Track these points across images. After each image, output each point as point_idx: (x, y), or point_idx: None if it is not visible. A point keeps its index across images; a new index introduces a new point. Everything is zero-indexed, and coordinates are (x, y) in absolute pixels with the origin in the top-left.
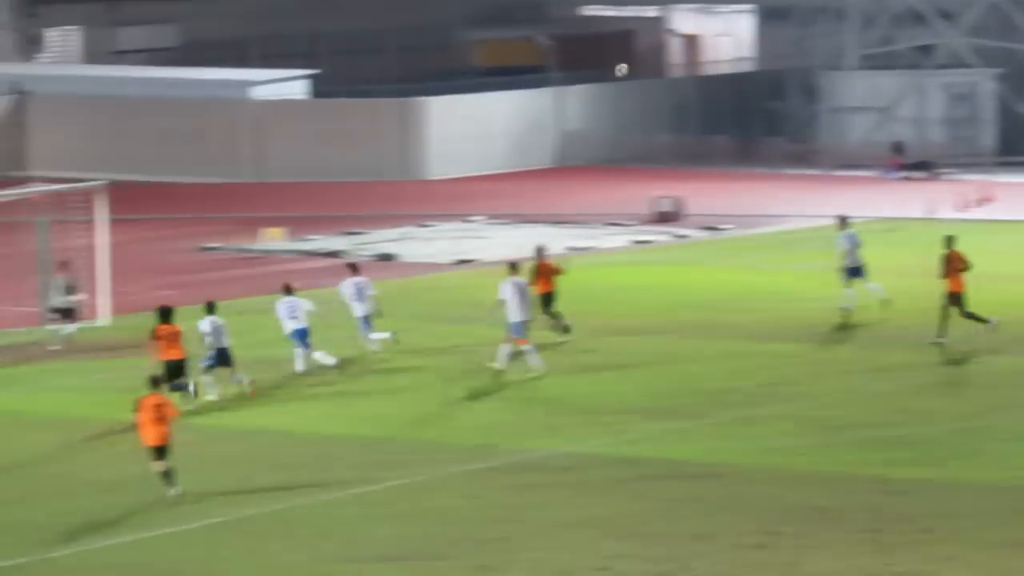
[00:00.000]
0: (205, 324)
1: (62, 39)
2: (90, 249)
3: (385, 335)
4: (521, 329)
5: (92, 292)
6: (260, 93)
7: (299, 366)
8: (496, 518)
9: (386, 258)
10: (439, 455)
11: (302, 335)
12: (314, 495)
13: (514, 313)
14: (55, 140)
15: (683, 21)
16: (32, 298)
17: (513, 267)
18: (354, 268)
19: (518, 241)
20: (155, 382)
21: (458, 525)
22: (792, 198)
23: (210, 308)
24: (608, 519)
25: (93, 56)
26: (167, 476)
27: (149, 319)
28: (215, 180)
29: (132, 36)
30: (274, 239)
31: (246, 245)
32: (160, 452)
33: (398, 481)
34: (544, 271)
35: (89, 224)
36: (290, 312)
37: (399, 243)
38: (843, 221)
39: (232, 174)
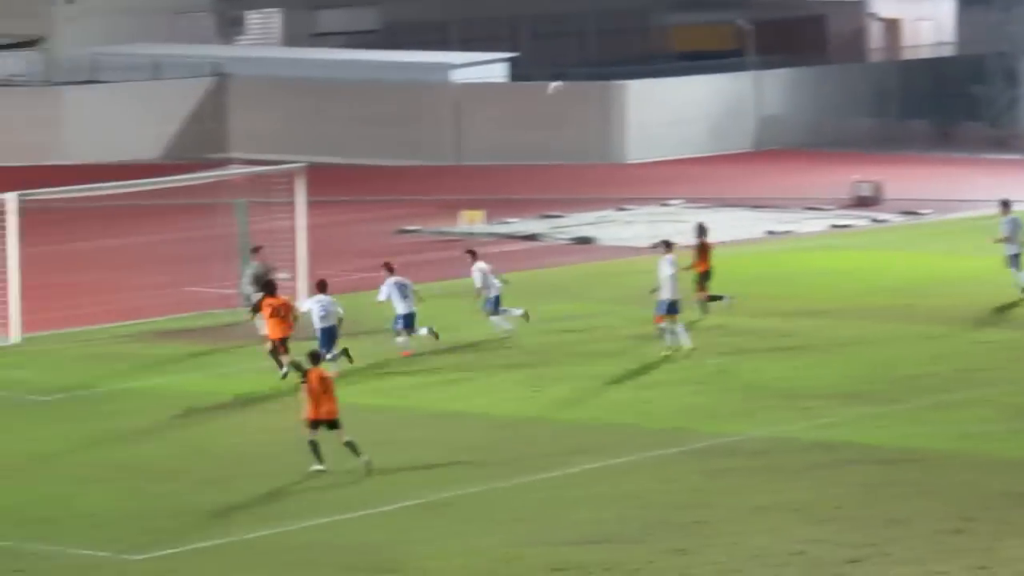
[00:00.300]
0: (311, 303)
1: (262, 21)
2: (289, 231)
3: (512, 320)
4: (672, 308)
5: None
6: (460, 76)
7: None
8: (690, 502)
9: (583, 241)
10: (635, 438)
11: (409, 320)
12: (510, 478)
13: (666, 292)
14: (254, 122)
15: (883, 5)
16: (232, 279)
17: (668, 246)
18: (473, 254)
19: (714, 225)
20: (315, 357)
21: (653, 509)
22: (991, 183)
23: (321, 287)
24: (803, 503)
25: (293, 38)
26: (351, 447)
27: (347, 301)
28: (414, 163)
29: (332, 18)
30: (472, 222)
31: (444, 228)
32: (332, 424)
33: (594, 464)
34: (704, 250)
35: (288, 206)
36: (401, 293)
37: (597, 226)
38: (1005, 206)
39: (431, 157)
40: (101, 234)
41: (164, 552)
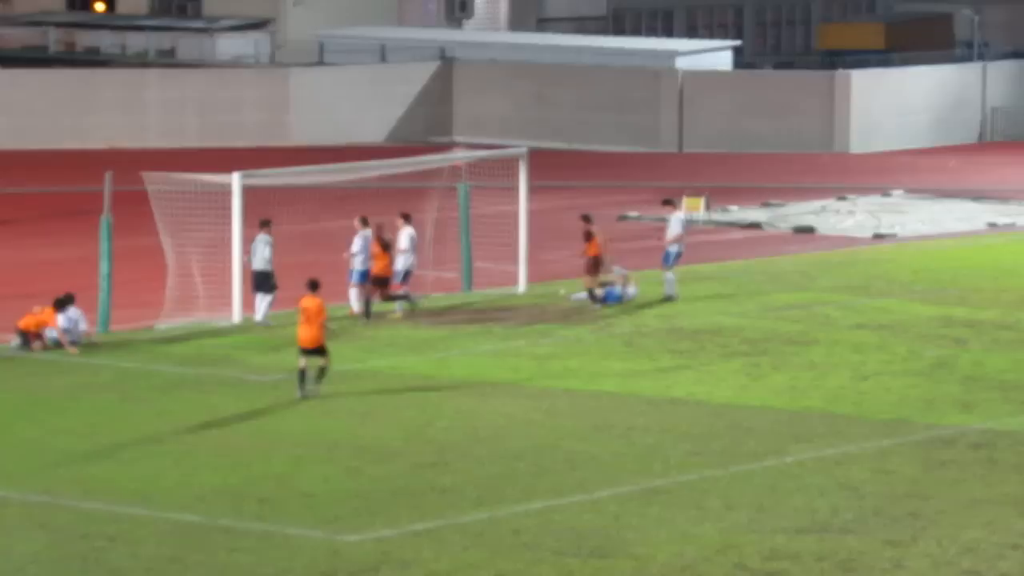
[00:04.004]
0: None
1: (489, 6)
2: (510, 216)
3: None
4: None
5: (512, 259)
6: (685, 63)
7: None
8: (906, 493)
9: (805, 231)
10: (851, 429)
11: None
12: (724, 466)
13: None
14: (479, 107)
15: None
16: (452, 263)
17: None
18: (671, 203)
19: (936, 216)
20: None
21: (867, 499)
22: None
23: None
24: (1021, 497)
25: (518, 23)
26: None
27: (570, 287)
28: (636, 149)
29: (558, 4)
30: (693, 210)
31: (665, 215)
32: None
33: (809, 454)
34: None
35: (510, 191)
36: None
37: (818, 216)
38: None
39: (654, 143)
40: (320, 215)
41: (379, 534)
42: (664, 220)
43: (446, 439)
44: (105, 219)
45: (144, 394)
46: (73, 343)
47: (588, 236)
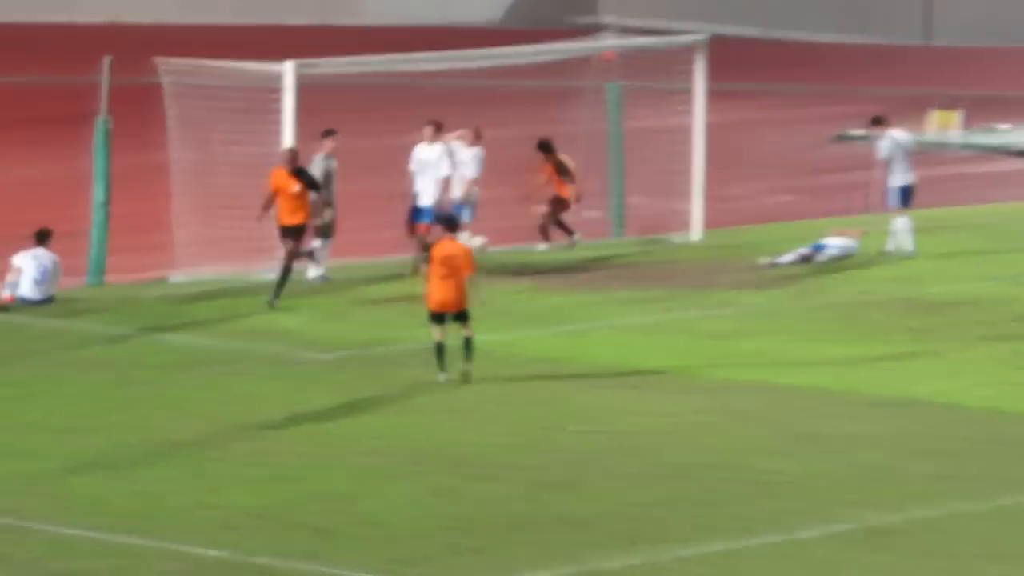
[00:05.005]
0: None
1: None
2: (680, 132)
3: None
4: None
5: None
6: None
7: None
8: None
9: None
10: None
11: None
12: (985, 497)
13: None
14: None
15: None
16: (596, 197)
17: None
18: (881, 122)
19: None
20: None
21: None
22: None
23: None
24: None
25: None
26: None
27: (753, 236)
28: (862, 40)
29: None
30: (944, 128)
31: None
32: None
33: None
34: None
35: (680, 95)
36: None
37: None
38: None
39: (887, 33)
40: (403, 126)
41: None
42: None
43: (581, 449)
44: (101, 122)
45: (150, 375)
46: (44, 300)
47: (558, 168)
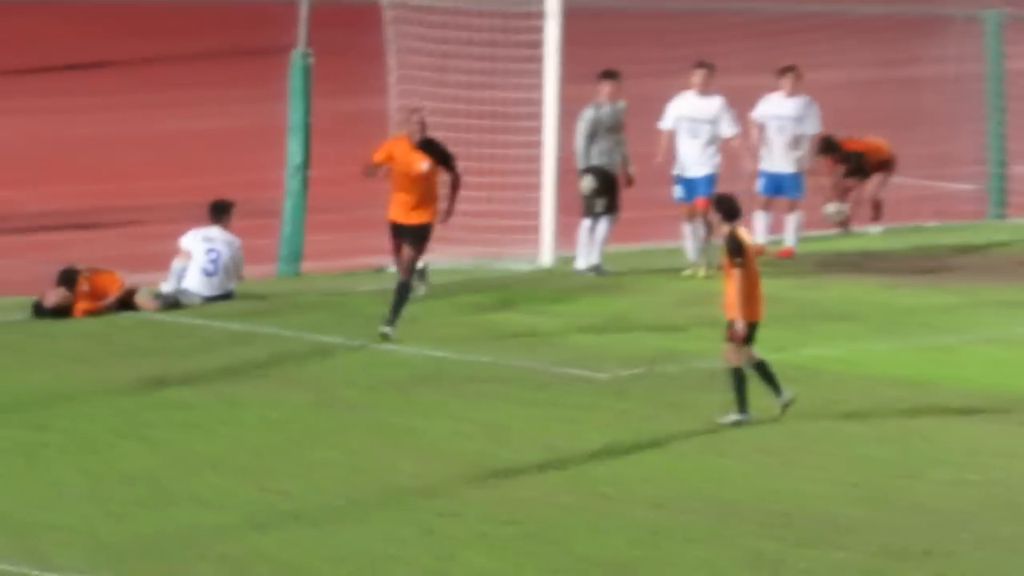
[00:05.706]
0: None
1: None
2: None
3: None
4: None
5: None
6: None
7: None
8: None
9: None
10: None
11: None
12: None
13: None
14: None
15: None
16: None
17: None
18: None
19: None
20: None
21: None
22: None
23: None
24: None
25: None
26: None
27: None
28: None
29: None
30: None
31: None
32: None
33: None
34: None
35: None
36: None
37: None
38: None
39: None
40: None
41: None
42: None
43: (945, 505)
44: (299, 57)
45: (362, 397)
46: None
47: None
